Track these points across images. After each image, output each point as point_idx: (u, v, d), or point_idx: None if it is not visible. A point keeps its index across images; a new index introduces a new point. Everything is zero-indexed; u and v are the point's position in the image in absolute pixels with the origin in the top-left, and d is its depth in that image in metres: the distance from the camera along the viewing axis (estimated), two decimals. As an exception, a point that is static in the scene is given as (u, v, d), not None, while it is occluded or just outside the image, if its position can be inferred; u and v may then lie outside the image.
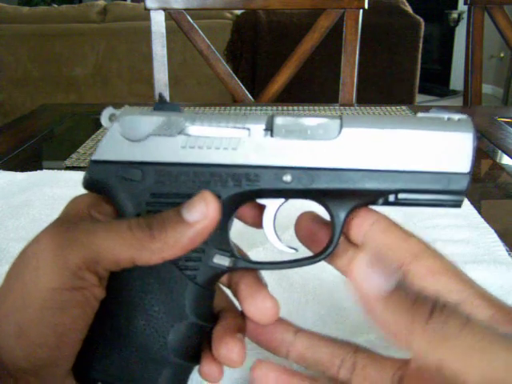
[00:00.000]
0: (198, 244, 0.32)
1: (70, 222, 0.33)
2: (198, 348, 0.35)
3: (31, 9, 3.10)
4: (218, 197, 0.33)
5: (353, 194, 0.33)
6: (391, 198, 0.33)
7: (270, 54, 2.58)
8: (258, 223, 0.37)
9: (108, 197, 0.35)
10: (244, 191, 0.33)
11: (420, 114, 0.34)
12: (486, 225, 0.64)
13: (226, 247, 0.34)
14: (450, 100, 4.69)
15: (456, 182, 0.32)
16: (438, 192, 0.33)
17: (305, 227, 0.37)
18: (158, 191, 0.33)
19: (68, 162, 0.89)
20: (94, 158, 0.34)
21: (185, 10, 1.35)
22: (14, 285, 0.31)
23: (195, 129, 0.33)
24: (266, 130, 0.33)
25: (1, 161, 0.92)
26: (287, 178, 0.33)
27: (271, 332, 0.36)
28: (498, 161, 0.94)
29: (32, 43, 2.94)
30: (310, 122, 0.33)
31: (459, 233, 0.63)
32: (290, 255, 0.36)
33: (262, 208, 0.36)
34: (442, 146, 0.32)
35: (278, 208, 0.35)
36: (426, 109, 0.34)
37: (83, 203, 0.35)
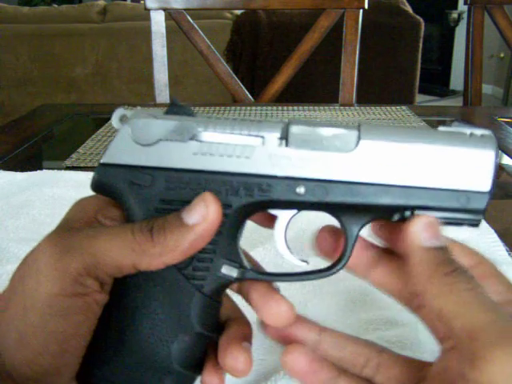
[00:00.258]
0: (199, 248, 0.31)
1: (72, 227, 0.32)
2: (202, 358, 0.35)
3: (31, 9, 3.11)
4: (229, 206, 0.32)
5: (367, 209, 0.32)
6: (407, 214, 0.32)
7: (270, 54, 2.58)
8: (267, 226, 0.36)
9: (116, 201, 0.34)
10: (255, 201, 0.32)
11: (442, 128, 0.32)
12: (485, 225, 0.64)
13: (235, 258, 0.33)
14: (450, 100, 4.69)
15: (475, 201, 0.32)
16: (455, 210, 0.32)
17: (326, 240, 0.36)
18: (168, 197, 0.32)
19: (68, 162, 0.89)
20: (102, 160, 0.34)
21: (185, 9, 1.35)
22: (15, 291, 0.31)
23: (208, 135, 0.32)
24: (280, 138, 0.32)
25: (1, 161, 0.92)
26: (300, 189, 0.32)
27: (295, 332, 0.36)
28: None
29: (32, 43, 2.94)
30: (326, 132, 0.32)
31: (459, 233, 0.63)
32: (300, 267, 0.35)
33: (273, 217, 0.35)
34: (462, 162, 0.31)
35: (290, 219, 0.34)
36: (449, 122, 0.34)
37: (90, 207, 0.34)
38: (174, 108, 0.34)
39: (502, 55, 4.45)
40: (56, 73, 2.97)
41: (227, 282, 0.34)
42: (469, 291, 0.28)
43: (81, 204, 0.35)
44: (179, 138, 0.33)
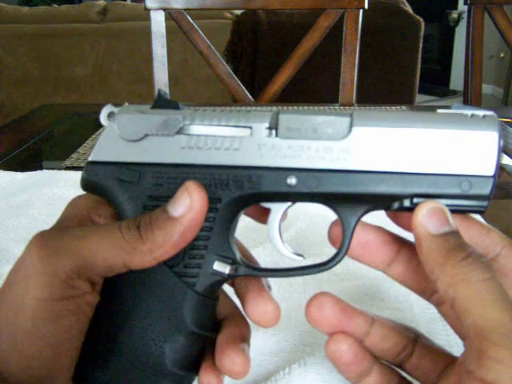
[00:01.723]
0: (190, 239, 0.31)
1: (64, 226, 0.32)
2: (198, 358, 0.34)
3: (31, 9, 3.10)
4: (219, 200, 0.32)
5: (363, 198, 0.31)
6: (406, 202, 0.30)
7: (270, 54, 2.58)
8: (264, 222, 0.35)
9: (106, 199, 0.33)
10: (246, 194, 0.31)
11: (440, 111, 0.31)
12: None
13: (227, 253, 0.33)
14: (450, 100, 4.69)
15: (479, 186, 0.29)
16: (458, 197, 0.30)
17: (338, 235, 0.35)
18: (157, 194, 0.32)
19: (68, 162, 0.89)
20: (90, 158, 0.33)
21: (185, 9, 1.35)
22: (7, 295, 0.30)
23: (195, 128, 0.32)
24: (269, 128, 0.31)
25: (1, 161, 0.92)
26: (292, 180, 0.31)
27: (349, 325, 0.34)
28: (497, 161, 0.94)
29: (32, 43, 2.94)
30: (317, 120, 0.31)
31: (459, 233, 0.63)
32: (296, 261, 0.34)
33: (267, 210, 0.34)
34: (463, 145, 0.29)
35: (284, 212, 0.33)
36: (447, 107, 0.31)
37: (83, 206, 0.34)
38: (160, 102, 0.33)
39: (502, 55, 4.45)
40: (56, 73, 2.97)
41: (221, 279, 0.33)
42: (483, 282, 0.27)
43: (74, 203, 0.34)
44: (166, 133, 0.32)
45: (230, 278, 0.33)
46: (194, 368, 0.33)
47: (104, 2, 3.12)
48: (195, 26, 1.37)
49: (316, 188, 0.31)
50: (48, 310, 0.29)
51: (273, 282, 0.51)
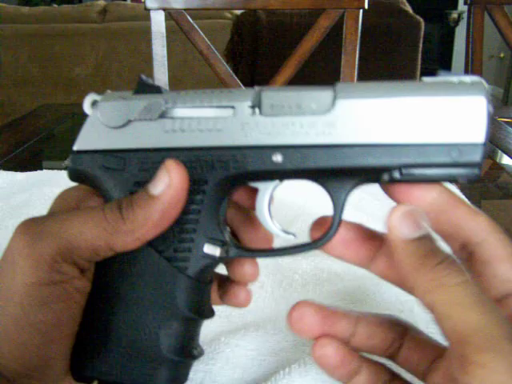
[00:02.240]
0: (172, 217, 0.31)
1: (45, 215, 0.32)
2: (194, 343, 0.34)
3: (31, 9, 3.11)
4: (205, 182, 0.31)
5: (352, 172, 0.31)
6: (396, 174, 0.30)
7: (270, 54, 2.58)
8: (253, 205, 0.35)
9: (94, 187, 0.33)
10: (232, 174, 0.31)
11: (426, 79, 0.30)
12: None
13: (217, 235, 0.33)
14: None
15: (468, 154, 0.29)
16: (448, 166, 0.29)
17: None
18: (143, 179, 0.32)
19: (68, 162, 0.89)
20: (75, 148, 0.33)
21: (185, 9, 1.35)
22: None
23: (177, 111, 0.32)
24: (252, 107, 0.31)
25: (1, 161, 0.92)
26: (277, 157, 0.30)
27: (332, 327, 0.34)
28: (498, 161, 0.94)
29: (32, 43, 2.94)
30: (300, 95, 0.30)
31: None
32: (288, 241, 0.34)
33: (256, 191, 0.34)
34: (450, 112, 0.28)
35: (273, 190, 0.33)
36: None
37: (71, 197, 0.34)
38: (142, 87, 0.33)
39: (502, 55, 4.45)
40: (56, 73, 2.97)
41: (212, 262, 0.33)
42: (459, 286, 0.26)
43: (63, 195, 0.34)
44: (148, 117, 0.32)
45: (221, 261, 0.34)
46: (189, 353, 0.33)
47: (104, 2, 3.12)
48: (195, 26, 1.37)
49: (302, 164, 0.30)
50: (36, 295, 0.29)
51: (273, 281, 0.51)
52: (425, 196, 0.31)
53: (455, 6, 4.91)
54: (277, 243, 0.35)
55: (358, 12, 1.32)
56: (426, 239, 0.29)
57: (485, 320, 0.25)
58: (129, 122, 0.32)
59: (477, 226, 0.30)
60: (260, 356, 0.44)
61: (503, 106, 3.68)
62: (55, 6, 3.71)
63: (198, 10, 1.39)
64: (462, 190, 0.74)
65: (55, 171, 0.84)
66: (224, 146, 0.31)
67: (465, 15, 3.88)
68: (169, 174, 0.30)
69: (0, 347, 0.30)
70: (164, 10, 1.35)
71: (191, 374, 0.35)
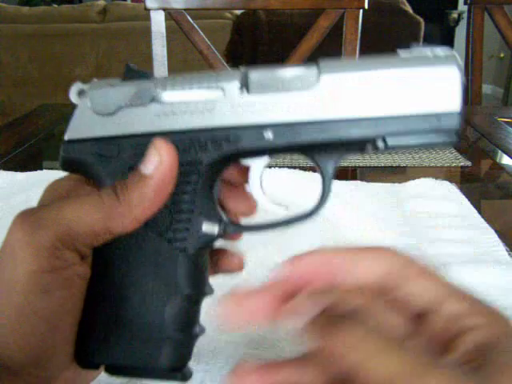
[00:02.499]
0: (166, 194, 0.31)
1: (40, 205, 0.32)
2: (196, 319, 0.34)
3: (31, 9, 3.11)
4: (200, 162, 0.32)
5: (338, 144, 0.32)
6: (380, 143, 0.32)
7: (270, 54, 2.58)
8: (245, 181, 0.36)
9: (87, 176, 0.34)
10: (225, 154, 0.32)
11: (402, 52, 0.32)
12: (485, 225, 0.64)
13: (214, 214, 0.33)
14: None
15: (446, 121, 0.31)
16: (427, 132, 0.31)
17: None
18: (136, 165, 0.32)
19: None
20: (66, 137, 0.33)
21: (185, 9, 1.35)
22: None
23: (167, 95, 0.32)
24: (240, 87, 0.32)
25: (1, 161, 0.92)
26: (268, 134, 0.32)
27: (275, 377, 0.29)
28: (498, 161, 0.94)
29: (32, 43, 2.94)
30: (285, 73, 0.32)
31: (459, 233, 0.63)
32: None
33: (247, 169, 0.35)
34: (427, 83, 0.31)
35: (264, 167, 0.34)
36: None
37: (62, 187, 0.34)
38: (130, 73, 0.33)
39: (501, 55, 4.45)
40: (56, 73, 2.97)
41: (210, 240, 0.34)
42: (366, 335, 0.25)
43: (53, 185, 0.34)
44: (139, 102, 0.32)
45: (219, 238, 0.34)
46: (193, 329, 0.34)
47: (104, 2, 3.12)
48: (195, 26, 1.37)
49: (293, 140, 0.32)
50: (38, 282, 0.29)
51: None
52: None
53: (455, 6, 4.91)
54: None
55: (358, 12, 1.32)
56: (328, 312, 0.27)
57: (404, 360, 0.24)
58: (120, 108, 0.32)
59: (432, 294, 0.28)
60: (260, 356, 0.44)
61: (503, 106, 3.68)
62: (55, 6, 3.71)
63: (198, 10, 1.39)
64: (462, 190, 0.74)
65: (55, 171, 0.84)
66: (216, 127, 0.32)
67: (465, 15, 3.88)
68: (158, 152, 0.31)
69: (5, 338, 0.30)
70: (164, 9, 1.35)
71: (195, 373, 0.35)
